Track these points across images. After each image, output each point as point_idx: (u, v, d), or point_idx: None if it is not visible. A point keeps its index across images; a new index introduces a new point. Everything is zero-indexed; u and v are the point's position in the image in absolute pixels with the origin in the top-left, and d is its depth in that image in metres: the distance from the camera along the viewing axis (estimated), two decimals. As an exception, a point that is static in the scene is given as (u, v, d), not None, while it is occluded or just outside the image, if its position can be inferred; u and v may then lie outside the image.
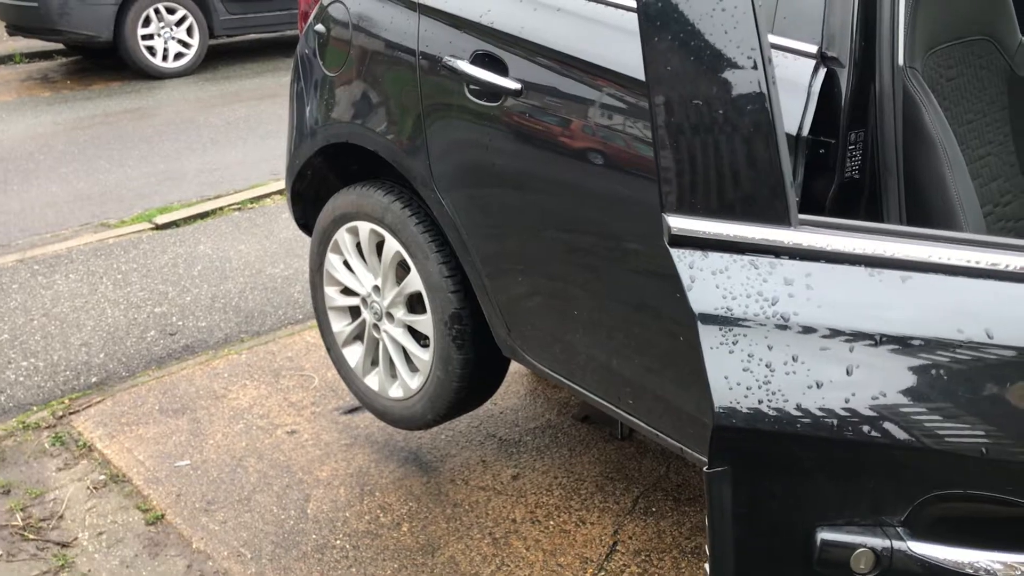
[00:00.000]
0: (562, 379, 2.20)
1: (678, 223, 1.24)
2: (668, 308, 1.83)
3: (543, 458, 2.84)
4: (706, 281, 1.22)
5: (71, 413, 3.15)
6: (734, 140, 1.19)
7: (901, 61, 1.57)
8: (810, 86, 1.56)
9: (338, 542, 2.50)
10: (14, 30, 8.60)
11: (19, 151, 6.27)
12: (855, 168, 1.60)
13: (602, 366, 2.06)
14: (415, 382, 2.53)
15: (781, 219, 1.20)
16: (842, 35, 1.56)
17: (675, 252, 1.25)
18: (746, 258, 1.21)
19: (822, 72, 1.56)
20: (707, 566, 1.23)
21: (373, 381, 2.69)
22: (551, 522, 2.56)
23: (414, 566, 2.41)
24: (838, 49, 1.57)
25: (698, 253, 1.23)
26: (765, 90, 1.16)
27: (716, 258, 1.22)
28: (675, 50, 1.19)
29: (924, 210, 1.61)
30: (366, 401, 2.74)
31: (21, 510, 2.66)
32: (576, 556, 2.43)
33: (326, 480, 2.76)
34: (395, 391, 2.61)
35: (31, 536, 2.56)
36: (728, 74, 1.17)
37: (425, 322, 2.43)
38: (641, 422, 2.02)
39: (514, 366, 2.57)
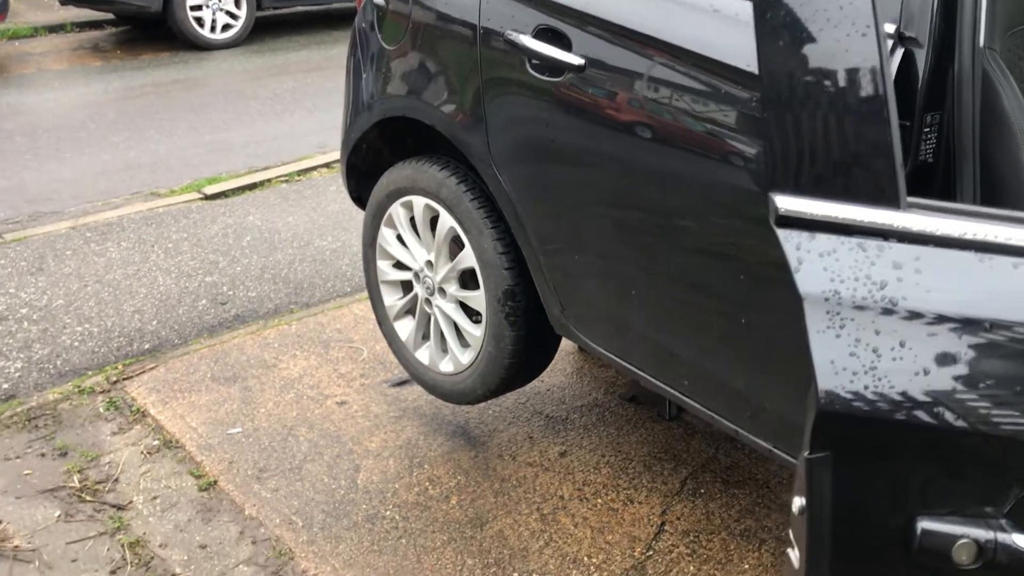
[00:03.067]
0: (615, 359, 2.19)
1: (785, 203, 1.22)
2: (729, 290, 1.81)
3: (590, 436, 2.84)
4: (813, 263, 1.20)
5: (125, 379, 3.20)
6: (846, 119, 1.16)
7: (981, 42, 1.53)
8: (887, 66, 1.52)
9: (388, 513, 2.53)
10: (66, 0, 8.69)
11: (71, 119, 6.36)
12: (930, 151, 1.57)
13: (658, 346, 2.05)
14: (466, 357, 2.54)
15: (891, 201, 1.18)
16: (921, 15, 1.53)
17: (782, 233, 1.22)
18: (854, 240, 1.19)
19: (899, 52, 1.53)
20: (791, 552, 1.22)
21: (424, 355, 2.70)
22: (599, 500, 2.56)
23: (463, 539, 2.43)
24: (917, 29, 1.54)
25: (805, 234, 1.21)
26: (879, 66, 1.14)
27: (824, 239, 1.20)
28: (788, 25, 1.17)
29: (999, 195, 1.57)
30: (416, 374, 2.76)
31: (78, 472, 2.72)
32: (624, 535, 2.43)
33: (376, 451, 2.78)
34: (446, 365, 2.62)
35: (88, 498, 2.62)
36: (842, 51, 1.15)
37: (478, 298, 2.43)
38: (696, 403, 2.01)
39: (561, 343, 2.57)
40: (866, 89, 1.16)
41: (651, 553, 2.37)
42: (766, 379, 1.78)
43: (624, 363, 2.17)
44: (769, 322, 1.66)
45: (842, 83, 1.16)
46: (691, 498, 2.57)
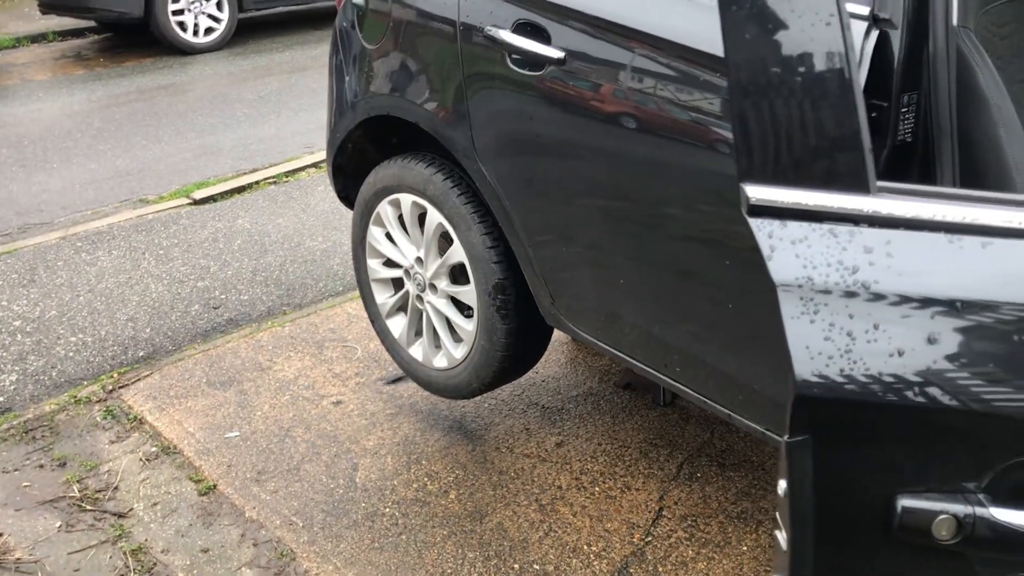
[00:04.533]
0: (607, 347, 2.21)
1: (756, 192, 1.24)
2: (715, 275, 1.82)
3: (586, 425, 2.86)
4: (786, 251, 1.22)
5: (120, 387, 3.21)
6: (813, 107, 1.18)
7: (955, 21, 1.54)
8: (862, 49, 1.54)
9: (387, 510, 2.55)
10: (47, 8, 8.66)
11: (57, 129, 6.35)
12: (908, 131, 1.59)
13: (648, 334, 2.07)
14: (459, 352, 2.55)
15: (860, 186, 1.19)
16: (895, -4, 1.54)
17: (754, 222, 1.24)
18: (825, 226, 1.21)
19: (875, 34, 1.55)
20: (779, 534, 1.24)
21: (417, 351, 2.72)
22: (597, 488, 2.58)
23: (463, 533, 2.45)
24: (891, 10, 1.55)
25: (777, 222, 1.22)
26: (844, 54, 1.15)
27: (795, 227, 1.22)
28: (753, 16, 1.18)
29: (978, 172, 1.59)
30: (410, 371, 2.77)
31: (77, 482, 2.73)
32: (623, 522, 2.45)
33: (373, 449, 2.80)
34: (439, 361, 2.64)
35: (88, 507, 2.63)
36: (807, 40, 1.16)
37: (469, 293, 2.44)
38: (688, 389, 2.02)
39: (554, 334, 2.59)
40: (831, 77, 1.17)
41: (650, 539, 2.39)
42: (755, 362, 1.79)
43: (616, 352, 2.19)
44: (755, 306, 1.67)
45: (807, 72, 1.18)
46: (688, 483, 2.59)
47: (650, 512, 2.48)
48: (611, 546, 2.37)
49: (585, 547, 2.38)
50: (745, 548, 2.35)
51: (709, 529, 2.41)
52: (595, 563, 2.33)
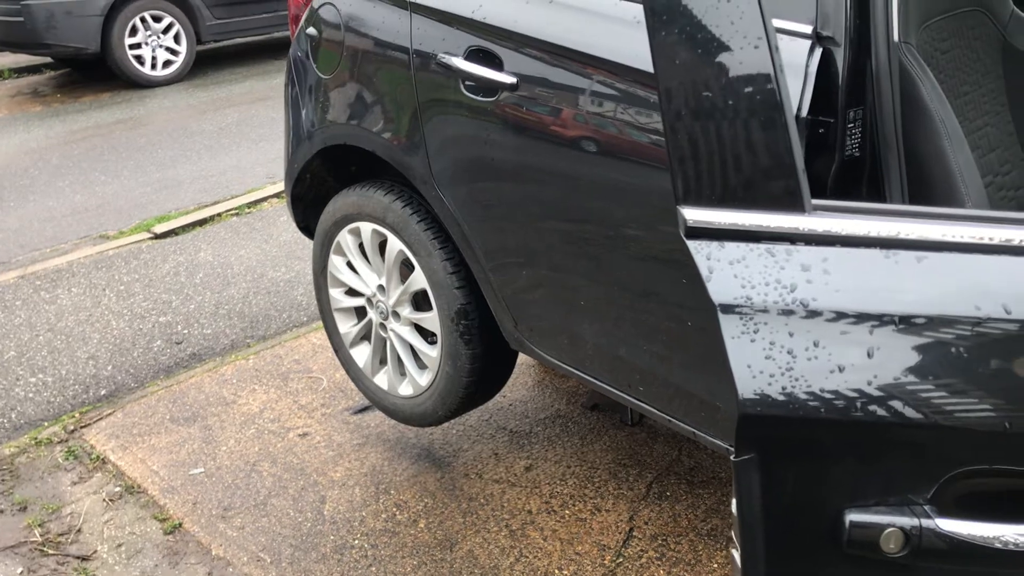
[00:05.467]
0: (571, 369, 2.21)
1: (693, 215, 1.25)
2: (673, 294, 1.83)
3: (555, 448, 2.85)
4: (724, 271, 1.23)
5: (82, 427, 3.16)
6: (745, 130, 1.19)
7: (896, 37, 1.57)
8: (807, 66, 1.56)
9: (356, 542, 2.52)
10: (1, 45, 8.57)
11: (14, 167, 6.27)
12: (855, 146, 1.61)
13: (610, 354, 2.07)
14: (424, 379, 2.54)
15: (795, 206, 1.21)
16: (836, 14, 1.57)
17: (692, 244, 1.25)
18: (762, 246, 1.22)
19: (818, 52, 1.57)
20: (734, 552, 1.24)
21: (382, 380, 2.70)
22: (567, 511, 2.57)
23: (433, 562, 2.42)
24: (833, 28, 1.57)
25: (715, 244, 1.23)
26: (774, 78, 1.17)
27: (733, 248, 1.23)
28: (682, 43, 1.20)
29: (925, 184, 1.62)
30: (376, 400, 2.75)
31: (39, 526, 2.68)
32: (594, 544, 2.44)
33: (341, 481, 2.77)
34: (405, 389, 2.62)
35: (51, 551, 2.58)
36: (736, 64, 1.18)
37: (432, 319, 2.44)
38: (653, 408, 2.03)
39: (521, 357, 2.58)
40: (762, 99, 1.19)
41: (621, 560, 2.38)
42: (717, 380, 1.80)
43: (580, 373, 2.19)
44: (714, 323, 1.68)
45: (738, 95, 1.19)
46: (657, 502, 2.58)
47: (621, 533, 2.48)
48: (583, 569, 2.36)
49: (556, 571, 2.37)
50: (716, 565, 2.35)
51: (680, 548, 2.41)
52: (567, 587, 2.32)
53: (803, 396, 1.16)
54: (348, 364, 2.81)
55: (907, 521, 1.18)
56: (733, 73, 1.19)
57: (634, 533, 2.47)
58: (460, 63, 2.08)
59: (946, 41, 1.83)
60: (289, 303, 4.01)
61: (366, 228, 2.52)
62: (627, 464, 2.75)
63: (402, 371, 2.63)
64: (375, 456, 2.88)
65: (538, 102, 1.95)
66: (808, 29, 1.58)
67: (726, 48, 1.19)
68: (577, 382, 3.08)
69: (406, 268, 2.48)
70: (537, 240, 2.09)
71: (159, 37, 8.36)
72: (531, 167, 2.02)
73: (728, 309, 1.21)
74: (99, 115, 7.54)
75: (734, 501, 1.20)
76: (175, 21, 8.42)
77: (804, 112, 1.56)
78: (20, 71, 9.34)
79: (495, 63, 2.02)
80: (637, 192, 1.82)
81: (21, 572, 2.50)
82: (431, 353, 2.49)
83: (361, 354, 2.75)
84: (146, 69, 8.32)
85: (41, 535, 2.64)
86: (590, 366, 2.15)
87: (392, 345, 2.61)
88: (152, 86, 8.32)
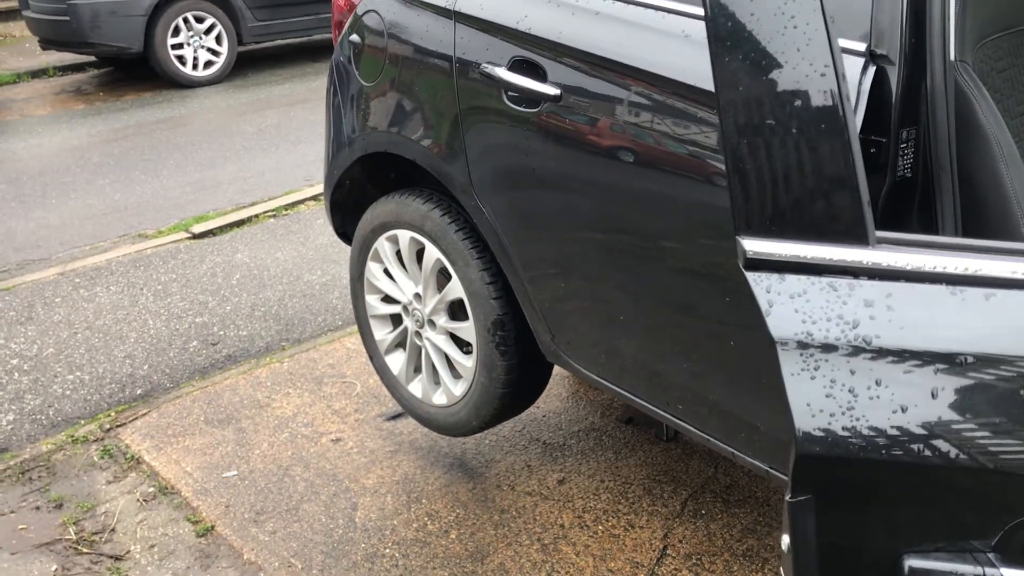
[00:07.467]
0: (607, 384, 2.18)
1: (753, 246, 1.21)
2: (714, 310, 1.80)
3: (588, 462, 2.83)
4: (784, 305, 1.19)
5: (118, 426, 3.18)
6: (809, 160, 1.16)
7: (952, 56, 1.53)
8: (860, 85, 1.53)
9: (387, 551, 2.51)
10: (47, 44, 8.71)
11: (56, 164, 6.36)
12: (907, 167, 1.57)
13: (648, 370, 2.04)
14: (459, 389, 2.53)
15: (859, 238, 1.17)
16: (891, 32, 1.53)
17: (751, 276, 1.21)
18: (824, 280, 1.18)
19: (872, 70, 1.53)
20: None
21: (416, 388, 2.69)
22: (600, 527, 2.54)
23: (464, 574, 2.41)
24: (887, 46, 1.54)
25: (775, 276, 1.20)
26: (840, 107, 1.14)
27: (793, 281, 1.19)
28: (746, 70, 1.17)
29: (979, 207, 1.57)
30: (410, 408, 2.74)
31: (74, 524, 2.70)
32: (627, 561, 2.41)
33: (373, 488, 2.76)
34: (439, 398, 2.61)
35: (85, 550, 2.59)
36: (802, 92, 1.15)
37: (467, 329, 2.42)
38: (691, 427, 2.00)
39: (554, 368, 2.56)
40: (828, 129, 1.15)
41: (654, 578, 2.35)
42: (758, 400, 1.77)
43: (617, 388, 2.16)
44: (757, 342, 1.65)
45: (803, 125, 1.16)
46: (692, 520, 2.55)
47: (654, 551, 2.44)
48: (615, 586, 2.34)
49: (588, 587, 2.34)
50: (751, 586, 2.31)
51: (714, 568, 2.38)
52: (598, 603, 2.29)
53: (864, 436, 1.13)
54: (382, 371, 2.80)
55: (969, 569, 1.14)
56: (798, 102, 1.16)
57: (668, 551, 2.44)
58: (504, 73, 2.06)
59: (1002, 60, 1.78)
60: (324, 307, 4.02)
61: (404, 236, 2.51)
62: (662, 480, 2.72)
63: (436, 380, 2.62)
64: (407, 464, 2.87)
65: (581, 114, 1.93)
66: (862, 47, 1.55)
67: (792, 75, 1.16)
68: (611, 395, 3.05)
69: (443, 277, 2.47)
70: (576, 252, 2.06)
71: (201, 38, 8.45)
72: (572, 178, 2.00)
73: (788, 344, 1.18)
74: (140, 114, 7.62)
75: (784, 538, 1.17)
76: (217, 22, 8.51)
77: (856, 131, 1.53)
78: (64, 69, 9.49)
79: (538, 74, 2.01)
80: (679, 205, 1.79)
81: (55, 570, 2.52)
82: (466, 363, 2.47)
83: (396, 361, 2.74)
84: (187, 69, 8.42)
85: (75, 533, 2.66)
86: (627, 381, 2.12)
87: (427, 354, 2.60)
88: (193, 86, 8.41)
